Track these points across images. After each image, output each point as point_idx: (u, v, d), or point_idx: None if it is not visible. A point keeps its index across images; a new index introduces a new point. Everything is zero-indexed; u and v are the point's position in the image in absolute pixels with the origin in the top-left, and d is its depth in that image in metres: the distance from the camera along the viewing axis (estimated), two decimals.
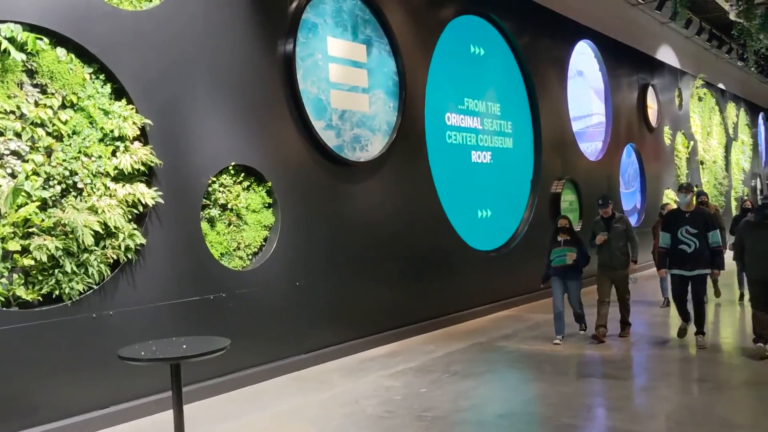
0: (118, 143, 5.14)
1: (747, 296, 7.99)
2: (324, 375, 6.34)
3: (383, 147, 7.70)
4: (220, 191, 5.99)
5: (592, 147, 13.09)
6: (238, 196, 6.12)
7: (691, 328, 7.19)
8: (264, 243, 6.41)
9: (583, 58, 12.82)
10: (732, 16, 14.80)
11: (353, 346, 7.15)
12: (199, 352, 3.79)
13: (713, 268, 6.90)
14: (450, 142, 9.08)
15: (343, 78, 7.24)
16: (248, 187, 6.27)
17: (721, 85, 20.58)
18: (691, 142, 17.36)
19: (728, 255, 7.59)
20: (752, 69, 20.12)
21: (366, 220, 7.47)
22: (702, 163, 18.19)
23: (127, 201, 5.15)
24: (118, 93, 5.24)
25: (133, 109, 5.24)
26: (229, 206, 6.07)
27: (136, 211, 5.22)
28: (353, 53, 7.37)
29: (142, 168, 5.26)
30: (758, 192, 23.70)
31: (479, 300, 9.21)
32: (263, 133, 6.35)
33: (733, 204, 20.33)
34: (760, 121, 25.59)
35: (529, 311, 9.53)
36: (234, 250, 6.10)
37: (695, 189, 7.24)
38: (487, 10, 9.85)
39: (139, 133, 5.25)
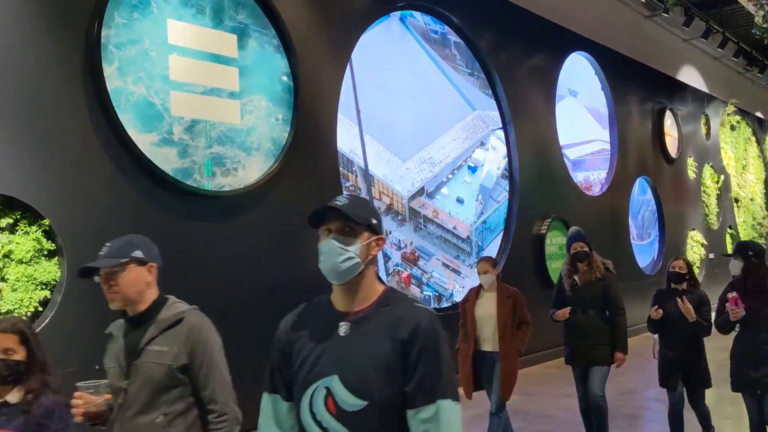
0: None
1: None
2: None
3: (264, 172, 5.66)
4: None
5: (594, 176, 10.81)
6: None
7: None
8: (41, 309, 4.37)
9: (577, 75, 10.65)
10: (758, 20, 12.51)
11: None
12: None
13: None
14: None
15: (196, 77, 5.26)
16: (13, 226, 4.27)
17: (759, 114, 18.08)
18: (722, 177, 14.88)
19: None
20: None
21: (234, 272, 5.37)
22: (737, 200, 15.64)
23: None
24: None
25: None
26: None
27: None
28: (215, 44, 5.40)
29: None
30: None
31: None
32: (42, 150, 4.37)
33: None
34: None
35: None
36: None
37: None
38: (440, 6, 7.84)
39: None
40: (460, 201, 8.13)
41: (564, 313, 4.98)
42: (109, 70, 4.69)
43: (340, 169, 6.52)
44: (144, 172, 4.86)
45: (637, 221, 11.82)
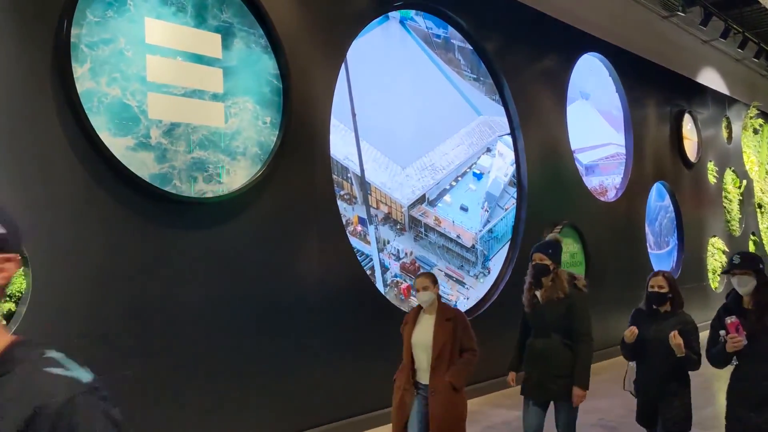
0: None
1: None
2: None
3: (250, 178, 5.39)
4: None
5: (609, 180, 10.41)
6: None
7: None
8: (5, 323, 4.12)
9: (590, 77, 10.27)
10: None
11: None
12: None
13: None
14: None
15: (176, 78, 5.01)
16: None
17: None
18: (744, 182, 14.35)
19: None
20: None
21: (217, 283, 5.10)
22: (760, 206, 15.10)
23: None
24: None
25: None
26: None
27: None
28: (196, 44, 5.15)
29: None
30: None
31: None
32: (6, 155, 4.14)
33: None
34: None
35: (494, 404, 6.85)
36: None
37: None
38: (442, 6, 7.54)
39: None
40: (464, 209, 7.80)
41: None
42: (80, 71, 4.46)
43: (334, 176, 6.24)
44: (119, 177, 4.61)
45: (654, 228, 11.37)
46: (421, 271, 4.59)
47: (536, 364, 4.27)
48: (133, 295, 4.62)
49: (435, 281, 4.34)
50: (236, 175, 5.32)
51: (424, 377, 4.22)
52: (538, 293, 4.29)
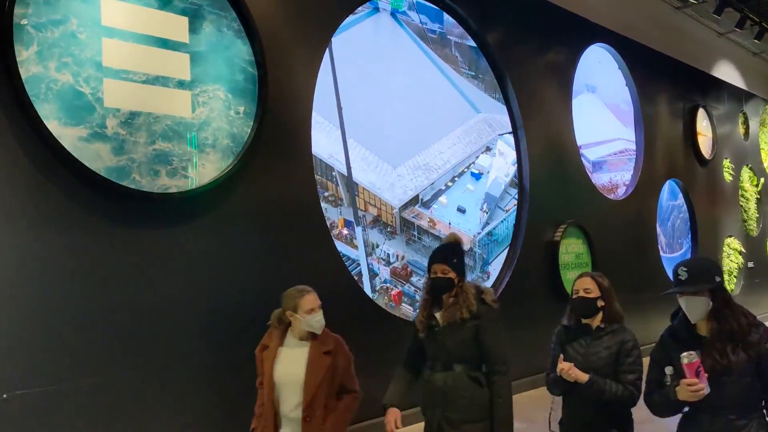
0: None
1: None
2: None
3: (221, 172, 4.98)
4: None
5: (618, 177, 9.91)
6: None
7: None
8: None
9: (596, 69, 9.77)
10: None
11: None
12: None
13: None
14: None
15: (137, 63, 4.60)
16: None
17: None
18: (762, 180, 13.76)
19: None
20: None
21: (182, 285, 4.69)
22: None
23: None
24: None
25: None
26: None
27: None
28: (160, 27, 4.75)
29: None
30: None
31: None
32: None
33: None
34: None
35: None
36: None
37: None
38: None
39: None
40: (461, 210, 7.34)
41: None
42: (25, 54, 4.07)
43: (318, 177, 5.81)
44: (70, 171, 4.22)
45: (667, 229, 10.83)
46: (304, 288, 3.38)
47: (436, 406, 3.27)
48: (85, 299, 4.22)
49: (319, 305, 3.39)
50: (205, 169, 4.91)
51: (285, 426, 3.28)
52: (437, 314, 3.31)
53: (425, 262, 6.75)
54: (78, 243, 4.23)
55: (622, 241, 9.29)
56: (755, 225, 13.32)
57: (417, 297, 6.66)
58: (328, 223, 5.81)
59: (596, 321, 3.23)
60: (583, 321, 3.23)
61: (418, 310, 3.46)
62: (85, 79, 4.33)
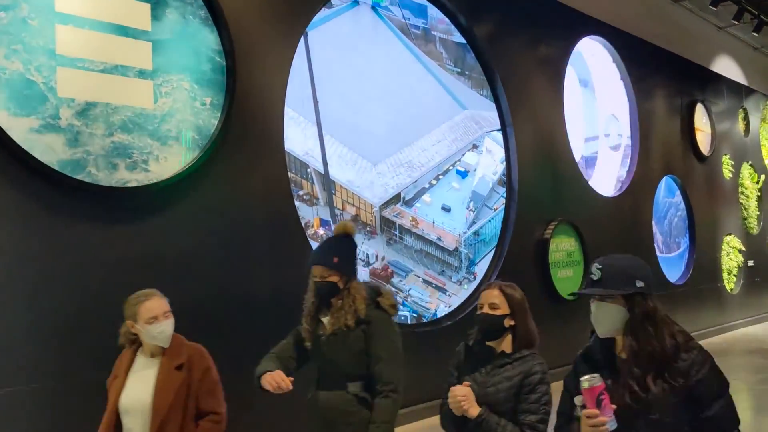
0: None
1: None
2: None
3: (185, 165, 4.76)
4: None
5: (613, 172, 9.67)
6: None
7: None
8: None
9: (588, 62, 9.52)
10: None
11: None
12: None
13: None
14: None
15: (94, 52, 4.39)
16: None
17: None
18: (762, 177, 13.49)
19: None
20: None
21: (141, 285, 4.47)
22: None
23: None
24: None
25: None
26: None
27: None
28: (120, 14, 4.53)
29: None
30: None
31: None
32: None
33: None
34: None
35: None
36: None
37: None
38: None
39: None
40: (446, 209, 7.10)
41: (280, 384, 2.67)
42: None
43: (292, 174, 5.59)
44: (21, 164, 4.01)
45: (664, 227, 10.57)
46: (146, 292, 2.90)
47: (319, 429, 2.83)
48: (37, 299, 4.01)
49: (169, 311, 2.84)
50: (168, 163, 4.70)
51: None
52: (324, 319, 2.85)
53: (407, 263, 6.60)
54: (29, 239, 4.02)
55: (616, 238, 9.04)
56: (756, 223, 13.05)
57: (398, 298, 6.44)
58: (302, 223, 5.59)
59: (503, 344, 2.57)
60: (487, 343, 2.58)
61: (304, 315, 2.94)
62: (36, 67, 4.12)
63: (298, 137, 5.73)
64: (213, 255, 4.88)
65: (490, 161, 7.65)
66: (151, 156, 4.61)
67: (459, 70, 7.44)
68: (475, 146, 7.51)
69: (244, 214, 5.11)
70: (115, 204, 4.40)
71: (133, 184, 4.49)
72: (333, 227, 5.85)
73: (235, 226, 5.05)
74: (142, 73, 4.61)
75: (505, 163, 7.72)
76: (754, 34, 12.37)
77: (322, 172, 5.94)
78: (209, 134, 4.92)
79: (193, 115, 4.85)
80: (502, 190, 7.69)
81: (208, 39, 4.99)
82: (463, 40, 7.47)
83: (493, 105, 7.69)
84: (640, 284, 2.05)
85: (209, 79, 4.97)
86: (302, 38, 5.79)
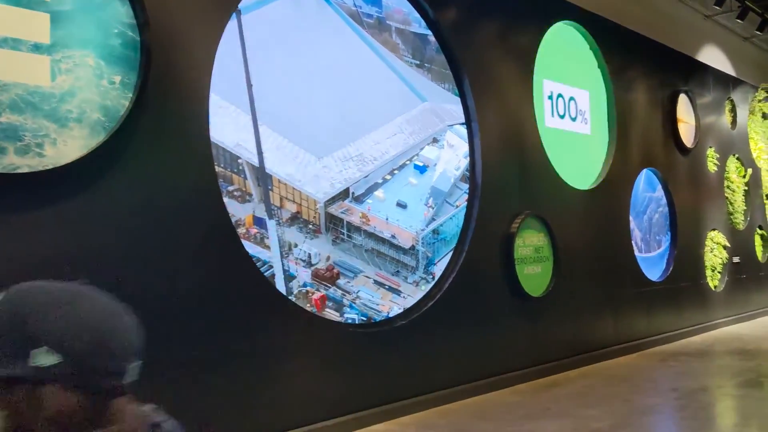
0: None
1: None
2: None
3: (88, 150, 4.29)
4: None
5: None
6: None
7: None
8: None
9: (561, 49, 9.05)
10: None
11: None
12: None
13: None
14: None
15: None
16: None
17: None
18: (749, 170, 13.04)
19: None
20: None
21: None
22: None
23: None
24: None
25: None
26: None
27: None
28: None
29: None
30: None
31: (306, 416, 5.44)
32: None
33: None
34: None
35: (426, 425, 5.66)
36: None
37: None
38: None
39: None
40: (402, 205, 6.62)
41: None
42: None
43: (220, 168, 5.10)
44: None
45: (643, 222, 10.11)
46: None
47: None
48: None
49: None
50: (67, 147, 4.22)
51: None
52: None
53: (355, 263, 6.13)
54: None
55: (590, 233, 8.60)
56: (742, 218, 12.61)
57: (344, 301, 5.97)
58: (233, 221, 5.11)
59: None
60: None
61: None
62: None
63: (228, 127, 5.24)
64: (119, 254, 4.41)
65: (452, 156, 7.18)
66: (47, 139, 4.14)
67: (418, 62, 6.96)
68: (435, 140, 7.04)
69: (160, 208, 4.64)
70: (1, 191, 3.93)
71: (25, 170, 4.02)
72: (268, 224, 5.41)
73: (151, 223, 4.58)
74: (37, 48, 4.14)
75: (469, 158, 7.25)
76: (738, 21, 11.93)
77: (257, 165, 5.46)
78: (118, 116, 4.45)
79: (99, 95, 4.38)
80: (466, 187, 7.21)
81: (119, 11, 4.52)
82: (422, 32, 7.00)
83: (456, 98, 7.22)
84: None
85: (119, 56, 4.49)
86: (234, 18, 5.32)
